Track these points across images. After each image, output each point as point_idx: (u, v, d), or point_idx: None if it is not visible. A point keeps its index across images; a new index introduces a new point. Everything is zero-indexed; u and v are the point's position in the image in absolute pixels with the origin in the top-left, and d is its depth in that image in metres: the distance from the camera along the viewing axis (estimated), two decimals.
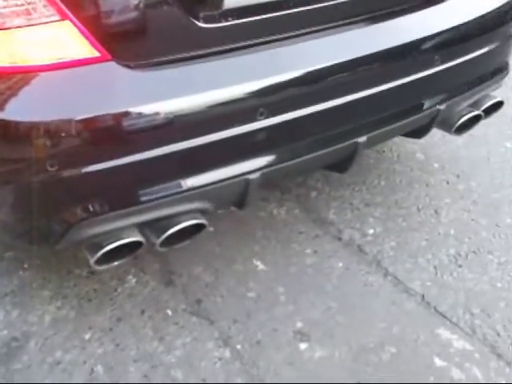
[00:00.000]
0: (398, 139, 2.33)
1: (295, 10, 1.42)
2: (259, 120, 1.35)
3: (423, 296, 1.70)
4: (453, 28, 1.62)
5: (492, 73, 1.79)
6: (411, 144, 2.37)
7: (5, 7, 1.21)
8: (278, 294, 1.73)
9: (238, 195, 1.48)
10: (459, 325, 1.62)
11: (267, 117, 1.36)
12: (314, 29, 1.46)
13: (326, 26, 1.48)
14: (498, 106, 1.88)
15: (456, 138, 2.32)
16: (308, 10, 1.43)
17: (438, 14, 1.63)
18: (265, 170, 1.42)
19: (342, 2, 1.48)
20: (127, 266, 1.84)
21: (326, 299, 1.70)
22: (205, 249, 1.89)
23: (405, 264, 1.81)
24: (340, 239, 1.92)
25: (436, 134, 2.18)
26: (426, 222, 1.98)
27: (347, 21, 1.51)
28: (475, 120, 1.83)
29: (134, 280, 1.80)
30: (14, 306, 1.74)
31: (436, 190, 2.14)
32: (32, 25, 1.22)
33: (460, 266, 1.81)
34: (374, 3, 1.55)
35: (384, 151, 2.36)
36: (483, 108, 1.82)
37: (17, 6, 1.21)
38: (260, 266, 1.84)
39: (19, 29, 1.22)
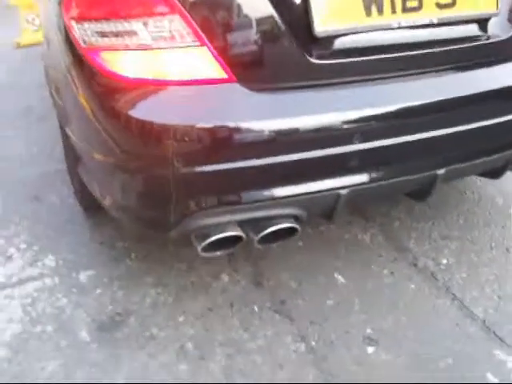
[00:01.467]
0: (481, 183, 2.50)
1: (391, 55, 1.66)
2: (354, 144, 1.59)
3: (484, 321, 1.85)
4: None
5: None
6: (492, 188, 2.52)
7: (156, 32, 1.52)
8: (353, 304, 1.93)
9: (329, 207, 1.71)
10: None
11: (360, 142, 1.59)
12: (406, 72, 1.69)
13: (418, 70, 1.71)
14: None
15: None
16: (402, 56, 1.67)
17: None
18: (354, 188, 1.65)
19: (434, 53, 1.71)
20: (222, 265, 2.10)
21: (396, 314, 1.89)
22: (293, 260, 2.13)
23: (472, 292, 1.97)
24: (416, 265, 2.11)
25: None
26: (496, 259, 2.13)
27: (437, 68, 1.73)
28: None
29: (227, 278, 2.06)
30: (119, 287, 2.03)
31: (510, 232, 2.28)
32: (176, 47, 1.53)
33: None
34: (462, 55, 1.76)
35: (466, 193, 2.52)
36: None
37: (166, 31, 1.52)
38: (340, 279, 2.04)
39: (165, 49, 1.53)
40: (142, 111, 1.55)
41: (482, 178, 2.31)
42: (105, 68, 1.57)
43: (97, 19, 1.56)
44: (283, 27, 1.54)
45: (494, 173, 1.98)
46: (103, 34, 1.56)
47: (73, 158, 2.12)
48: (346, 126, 1.59)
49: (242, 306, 1.94)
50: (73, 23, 1.64)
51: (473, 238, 2.25)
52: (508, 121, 1.77)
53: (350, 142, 1.59)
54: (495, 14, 1.78)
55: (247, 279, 2.05)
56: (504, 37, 1.80)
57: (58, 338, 1.82)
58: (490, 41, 1.80)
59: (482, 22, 1.79)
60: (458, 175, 2.04)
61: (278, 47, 1.57)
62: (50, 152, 2.98)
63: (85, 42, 1.60)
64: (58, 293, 2.01)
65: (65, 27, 1.71)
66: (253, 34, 1.54)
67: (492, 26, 1.80)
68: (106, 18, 1.55)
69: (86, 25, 1.58)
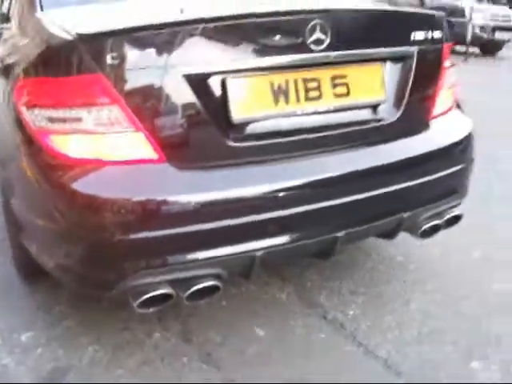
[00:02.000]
0: (383, 245, 2.84)
1: (297, 137, 1.99)
2: (265, 213, 1.89)
3: (387, 360, 2.13)
4: (417, 157, 2.18)
5: (449, 193, 2.32)
6: (392, 248, 2.87)
7: (97, 119, 1.79)
8: (271, 353, 2.18)
9: (246, 267, 1.98)
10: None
11: (270, 211, 1.89)
12: (310, 151, 2.01)
13: (320, 150, 2.04)
14: (458, 218, 2.38)
15: (432, 246, 2.82)
16: (306, 138, 2.00)
17: (407, 145, 2.20)
18: (266, 250, 1.93)
19: (332, 134, 2.05)
20: (154, 324, 2.31)
21: (310, 360, 2.14)
22: (219, 317, 2.36)
23: (376, 338, 2.26)
24: (326, 318, 2.38)
25: (413, 242, 2.67)
26: (397, 309, 2.44)
27: (336, 147, 2.07)
28: (437, 228, 2.32)
29: (159, 335, 2.26)
30: (58, 347, 2.19)
31: (410, 286, 2.61)
32: (115, 132, 1.80)
33: (420, 343, 2.24)
34: (357, 135, 2.11)
35: (371, 254, 2.86)
36: (444, 219, 2.32)
37: (106, 119, 1.79)
38: (261, 332, 2.29)
39: (105, 134, 1.80)
40: (84, 186, 1.80)
41: (384, 241, 2.63)
42: (52, 148, 1.82)
43: (46, 107, 1.82)
44: (206, 115, 1.85)
45: (389, 234, 2.32)
46: (51, 120, 1.82)
47: (15, 227, 2.31)
48: (257, 198, 1.89)
49: (172, 359, 2.14)
50: (23, 109, 1.89)
51: (377, 292, 2.56)
52: (396, 190, 2.11)
53: (261, 211, 1.88)
54: (383, 101, 2.15)
55: (177, 336, 2.26)
56: (391, 119, 2.17)
57: None
58: (380, 123, 2.16)
59: (373, 108, 2.15)
60: (357, 237, 2.35)
61: (201, 132, 1.86)
62: None
63: (35, 125, 1.85)
64: (2, 352, 2.15)
65: (15, 110, 1.95)
66: (180, 121, 1.83)
67: (381, 111, 2.16)
68: (54, 106, 1.80)
69: (36, 111, 1.84)
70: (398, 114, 2.18)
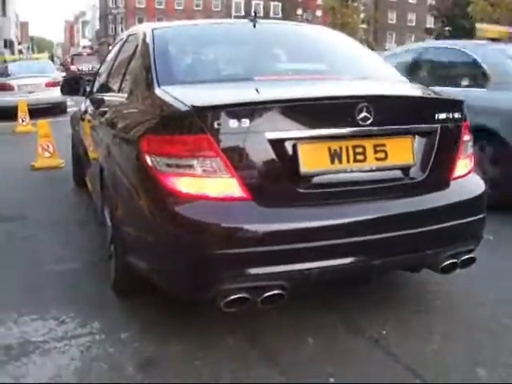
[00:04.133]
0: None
1: (348, 188, 2.69)
2: (320, 241, 2.57)
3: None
4: (438, 207, 2.83)
5: (464, 238, 2.95)
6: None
7: (204, 167, 2.52)
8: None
9: (305, 282, 2.65)
10: None
11: (324, 240, 2.57)
12: (358, 199, 2.69)
13: (365, 198, 2.71)
14: (473, 260, 2.99)
15: None
16: (355, 189, 2.69)
17: (431, 199, 2.86)
18: (320, 270, 2.60)
19: (375, 187, 2.73)
20: (223, 329, 2.94)
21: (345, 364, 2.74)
22: (282, 327, 2.99)
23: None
24: (363, 335, 2.98)
25: None
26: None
27: (377, 197, 2.74)
28: (454, 266, 2.94)
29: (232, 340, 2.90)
30: (150, 344, 2.86)
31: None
32: (216, 177, 2.52)
33: None
34: (393, 189, 2.78)
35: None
36: (461, 259, 2.93)
37: (210, 167, 2.52)
38: (310, 340, 2.90)
39: (209, 178, 2.53)
40: (192, 213, 2.54)
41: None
42: (169, 185, 2.56)
43: (167, 156, 2.57)
44: (282, 168, 2.57)
45: (415, 267, 2.98)
46: (169, 165, 2.56)
47: (123, 248, 3.02)
48: (316, 230, 2.58)
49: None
50: (147, 156, 2.63)
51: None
52: (421, 231, 2.75)
53: (318, 239, 2.57)
54: (412, 165, 2.82)
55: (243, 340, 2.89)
56: (419, 179, 2.84)
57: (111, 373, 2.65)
58: (410, 181, 2.83)
59: (405, 169, 2.83)
60: (390, 266, 2.98)
61: (278, 180, 2.59)
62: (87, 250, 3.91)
63: (156, 168, 2.59)
64: (106, 344, 2.86)
65: (139, 158, 2.69)
66: (263, 171, 2.56)
67: (411, 172, 2.84)
68: (173, 156, 2.55)
69: (158, 158, 2.58)
70: (424, 176, 2.84)
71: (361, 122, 2.63)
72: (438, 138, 2.87)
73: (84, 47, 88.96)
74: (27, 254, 4.13)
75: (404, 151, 2.82)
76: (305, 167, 2.59)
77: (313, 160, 2.62)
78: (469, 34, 34.17)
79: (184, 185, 2.54)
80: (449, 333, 2.99)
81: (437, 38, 45.04)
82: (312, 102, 2.64)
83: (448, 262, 2.88)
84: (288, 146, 2.57)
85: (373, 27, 56.38)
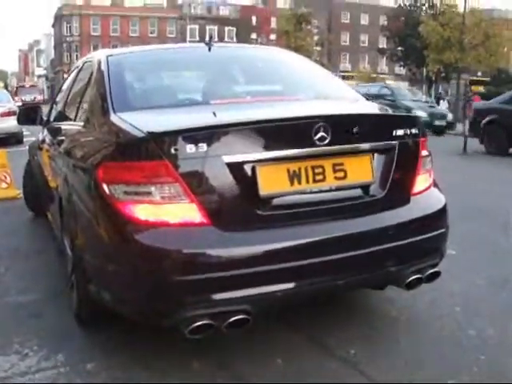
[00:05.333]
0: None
1: (307, 209, 2.67)
2: (282, 263, 2.55)
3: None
4: (399, 224, 2.85)
5: (428, 253, 2.97)
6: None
7: (163, 193, 2.49)
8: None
9: (269, 305, 2.62)
10: None
11: (286, 262, 2.55)
12: (317, 219, 2.69)
13: (323, 218, 2.71)
14: (437, 275, 3.00)
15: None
16: (314, 209, 2.69)
17: (392, 215, 2.87)
18: (285, 292, 2.57)
19: (334, 207, 2.73)
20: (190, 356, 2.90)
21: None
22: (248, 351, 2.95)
23: None
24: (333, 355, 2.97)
25: None
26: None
27: (337, 216, 2.74)
28: (419, 281, 2.95)
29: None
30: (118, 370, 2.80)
31: None
32: (175, 203, 2.49)
33: None
34: (353, 207, 2.79)
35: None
36: (425, 274, 2.94)
37: (169, 193, 2.49)
38: (279, 361, 2.87)
39: (168, 204, 2.50)
40: (151, 240, 2.50)
41: None
42: (128, 213, 2.51)
43: (124, 183, 2.53)
44: (241, 191, 2.54)
45: (380, 285, 2.98)
46: (127, 192, 2.52)
47: (84, 278, 2.95)
48: (278, 252, 2.57)
49: None
50: (104, 184, 2.59)
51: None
52: (384, 248, 2.76)
53: (280, 261, 2.55)
54: (372, 182, 2.84)
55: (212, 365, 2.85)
56: (379, 196, 2.85)
57: None
58: (370, 199, 2.84)
59: (365, 187, 2.84)
60: (354, 285, 2.97)
61: (237, 203, 2.56)
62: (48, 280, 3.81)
63: (113, 196, 2.54)
64: (72, 374, 2.79)
65: (96, 186, 2.65)
66: (222, 195, 2.54)
67: (371, 190, 2.85)
68: (130, 183, 2.51)
69: (116, 186, 2.54)
70: (384, 192, 2.86)
71: (318, 142, 2.64)
72: (396, 154, 2.90)
73: (39, 76, 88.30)
74: None
75: (363, 169, 2.84)
76: (264, 190, 2.58)
77: (272, 182, 2.61)
78: (420, 52, 35.29)
79: (143, 212, 2.50)
80: (416, 346, 3.01)
81: (390, 58, 46.26)
82: (269, 124, 2.64)
83: (413, 278, 2.89)
84: (247, 168, 2.56)
85: (327, 49, 57.25)
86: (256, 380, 2.72)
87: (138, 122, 2.72)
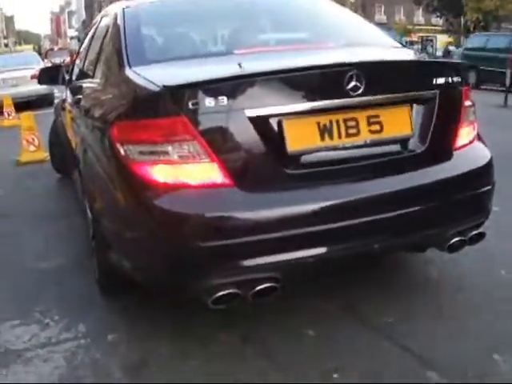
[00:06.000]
0: None
1: (342, 166, 2.43)
2: (314, 226, 2.32)
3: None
4: (442, 181, 2.59)
5: (472, 213, 2.72)
6: None
7: (180, 152, 2.27)
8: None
9: (300, 272, 2.41)
10: None
11: (319, 224, 2.33)
12: (353, 178, 2.45)
13: (360, 176, 2.47)
14: (482, 236, 2.75)
15: None
16: (349, 166, 2.44)
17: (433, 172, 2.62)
18: (317, 258, 2.36)
19: (371, 163, 2.49)
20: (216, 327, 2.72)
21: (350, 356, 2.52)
22: (275, 320, 2.77)
23: None
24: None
25: None
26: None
27: (374, 174, 2.50)
28: (462, 244, 2.70)
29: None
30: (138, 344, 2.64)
31: None
32: (195, 163, 2.28)
33: None
34: (393, 163, 2.54)
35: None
36: (468, 236, 2.70)
37: (187, 152, 2.27)
38: (311, 333, 2.68)
39: (187, 164, 2.28)
40: (170, 204, 2.30)
41: None
42: (144, 175, 2.31)
43: (139, 142, 2.32)
44: (266, 149, 2.31)
45: (420, 247, 2.73)
46: (143, 153, 2.31)
47: (104, 245, 2.79)
48: (309, 214, 2.34)
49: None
50: (118, 144, 2.39)
51: None
52: (425, 208, 2.52)
53: (312, 224, 2.33)
54: (411, 136, 2.58)
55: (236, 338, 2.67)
56: (419, 151, 2.59)
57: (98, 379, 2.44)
58: (410, 154, 2.58)
59: (403, 142, 2.58)
60: (393, 248, 2.75)
61: (263, 162, 2.34)
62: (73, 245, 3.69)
63: (128, 157, 2.34)
64: (92, 348, 2.64)
65: (111, 147, 2.45)
66: (246, 154, 2.31)
67: (410, 144, 2.59)
68: (146, 142, 2.30)
69: (131, 146, 2.33)
70: (424, 147, 2.59)
71: (351, 92, 2.38)
72: (437, 104, 2.62)
73: (71, 38, 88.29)
74: (9, 251, 3.93)
75: (401, 121, 2.58)
76: (292, 146, 2.34)
77: (301, 137, 2.38)
78: (457, 1, 33.93)
79: (160, 173, 2.30)
80: (459, 317, 2.78)
81: (426, 9, 44.56)
82: (296, 73, 2.38)
83: (455, 240, 2.65)
84: (272, 123, 2.32)
85: (360, 0, 55.65)
86: (285, 355, 2.54)
87: (154, 75, 2.50)
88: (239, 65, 2.40)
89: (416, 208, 2.52)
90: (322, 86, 2.40)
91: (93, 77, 3.49)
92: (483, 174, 2.78)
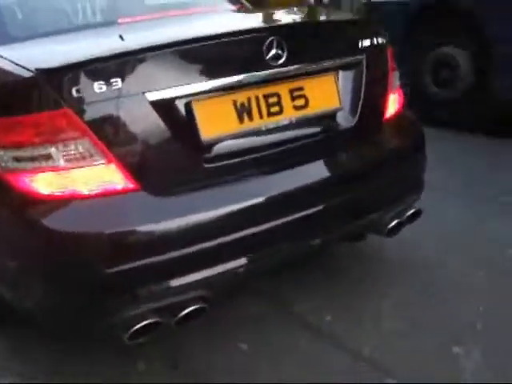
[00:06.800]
0: None
1: (263, 153, 2.02)
2: (243, 230, 1.90)
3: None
4: (377, 159, 2.26)
5: (408, 190, 2.41)
6: None
7: (67, 154, 1.76)
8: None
9: (230, 286, 1.99)
10: None
11: (248, 227, 1.91)
12: (277, 166, 2.04)
13: (286, 163, 2.07)
14: (418, 214, 2.46)
15: None
16: (272, 152, 2.04)
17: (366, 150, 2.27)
18: (249, 266, 1.95)
19: (297, 146, 2.09)
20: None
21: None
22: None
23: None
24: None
25: None
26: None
27: (302, 158, 2.11)
28: (400, 225, 2.40)
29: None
30: None
31: None
32: (86, 166, 1.77)
33: None
34: (318, 145, 2.16)
35: None
36: (405, 216, 2.40)
37: (76, 153, 1.76)
38: (243, 346, 2.29)
39: (76, 169, 1.77)
40: (58, 222, 1.78)
41: None
42: (23, 187, 1.78)
43: (12, 146, 1.78)
44: (176, 139, 1.85)
45: (358, 236, 2.39)
46: (18, 159, 1.77)
47: None
48: (235, 216, 1.91)
49: None
50: None
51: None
52: (361, 193, 2.19)
53: (240, 228, 1.90)
54: (339, 109, 2.21)
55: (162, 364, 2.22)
56: (348, 125, 2.23)
57: None
58: (340, 130, 2.22)
59: (331, 116, 2.21)
60: (331, 241, 2.39)
61: (174, 157, 1.88)
62: None
63: (2, 167, 1.80)
64: None
65: None
66: (152, 148, 1.84)
67: (339, 118, 2.22)
68: (20, 146, 1.76)
69: (2, 152, 1.79)
70: (355, 120, 2.24)
71: (271, 62, 1.96)
72: (364, 70, 2.27)
73: None
74: None
75: (327, 93, 2.20)
76: (206, 133, 1.90)
77: (216, 121, 1.94)
78: None
79: (43, 184, 1.77)
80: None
81: None
82: (204, 43, 1.93)
83: (395, 222, 2.34)
84: (179, 106, 1.86)
85: None
86: (219, 374, 2.14)
87: (21, 57, 1.94)
88: (121, 37, 1.92)
89: (353, 193, 2.18)
90: (236, 57, 1.97)
91: None
92: (415, 146, 2.49)
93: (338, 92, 2.20)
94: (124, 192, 1.80)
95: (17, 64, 1.87)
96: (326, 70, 2.19)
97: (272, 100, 2.03)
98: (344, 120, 2.23)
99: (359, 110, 2.25)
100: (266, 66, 1.96)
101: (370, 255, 2.86)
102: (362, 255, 2.86)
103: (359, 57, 2.26)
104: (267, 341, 2.31)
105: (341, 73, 2.22)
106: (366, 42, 2.28)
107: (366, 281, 2.66)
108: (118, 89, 1.75)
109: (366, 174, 2.25)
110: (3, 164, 1.80)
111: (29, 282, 1.90)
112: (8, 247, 1.93)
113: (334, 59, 2.20)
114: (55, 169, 1.76)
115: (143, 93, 1.79)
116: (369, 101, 2.28)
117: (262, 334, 2.36)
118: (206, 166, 1.90)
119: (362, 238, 2.42)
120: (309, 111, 2.12)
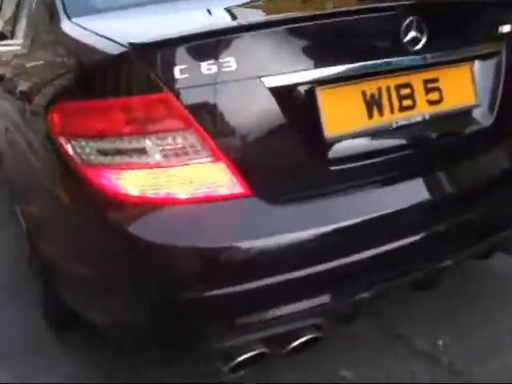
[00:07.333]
0: None
1: (395, 155, 1.68)
2: (373, 247, 1.56)
3: None
4: None
5: None
6: None
7: (165, 149, 1.44)
8: None
9: (351, 312, 1.66)
10: None
11: (380, 244, 1.57)
12: (411, 171, 1.71)
13: (420, 168, 1.73)
14: None
15: None
16: (406, 154, 1.69)
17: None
18: (377, 289, 1.61)
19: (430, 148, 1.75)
20: None
21: None
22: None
23: None
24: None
25: None
26: None
27: (437, 162, 1.77)
28: None
29: None
30: None
31: None
32: (188, 164, 1.45)
33: None
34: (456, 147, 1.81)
35: None
36: None
37: (177, 148, 1.45)
38: (346, 374, 1.96)
39: (176, 167, 1.45)
40: (149, 232, 1.45)
41: None
42: (107, 187, 1.47)
43: (96, 136, 1.47)
44: (296, 135, 1.52)
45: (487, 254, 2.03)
46: (103, 152, 1.47)
47: (48, 277, 1.96)
48: (366, 230, 1.57)
49: None
50: (62, 140, 1.53)
51: None
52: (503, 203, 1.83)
53: (370, 245, 1.56)
54: (475, 105, 1.85)
55: None
56: (486, 124, 1.87)
57: None
58: (476, 129, 1.86)
59: (466, 114, 1.86)
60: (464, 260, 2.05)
61: (293, 156, 1.53)
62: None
63: (81, 159, 1.49)
64: None
65: (50, 142, 1.60)
66: (266, 146, 1.51)
67: (475, 115, 1.87)
68: (107, 136, 1.46)
69: (83, 142, 1.49)
70: (493, 118, 1.89)
71: (409, 47, 1.61)
72: (504, 60, 1.91)
73: None
74: None
75: (462, 86, 1.85)
76: (331, 128, 1.56)
77: (342, 115, 1.60)
78: None
79: (132, 182, 1.45)
80: None
81: None
82: (333, 20, 1.58)
83: None
84: (302, 95, 1.52)
85: None
86: None
87: (109, 29, 1.61)
88: (235, 14, 1.59)
89: (489, 205, 1.83)
90: (369, 38, 1.62)
91: (12, 37, 2.56)
92: None
93: (474, 85, 1.85)
94: (232, 198, 1.48)
95: (105, 37, 1.55)
96: (462, 60, 1.83)
97: (404, 92, 1.69)
98: (480, 118, 1.88)
99: (497, 108, 1.90)
100: (402, 50, 1.62)
101: (496, 273, 2.49)
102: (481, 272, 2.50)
103: (499, 44, 1.90)
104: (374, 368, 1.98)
105: (477, 63, 1.86)
106: (507, 28, 1.92)
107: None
108: (231, 71, 1.43)
109: (502, 183, 1.89)
110: (84, 157, 1.49)
111: (106, 296, 1.60)
112: (80, 254, 1.63)
113: (472, 46, 1.84)
114: (148, 166, 1.44)
115: (260, 77, 1.46)
116: (508, 97, 1.92)
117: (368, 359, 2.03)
118: (332, 168, 1.56)
119: (490, 256, 2.06)
120: (443, 107, 1.78)
